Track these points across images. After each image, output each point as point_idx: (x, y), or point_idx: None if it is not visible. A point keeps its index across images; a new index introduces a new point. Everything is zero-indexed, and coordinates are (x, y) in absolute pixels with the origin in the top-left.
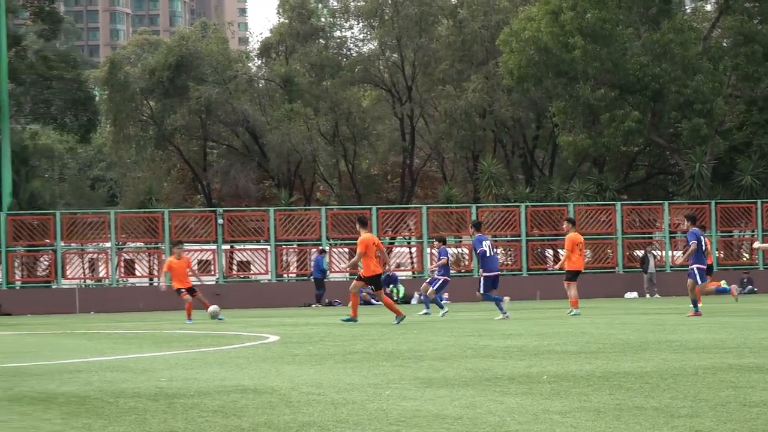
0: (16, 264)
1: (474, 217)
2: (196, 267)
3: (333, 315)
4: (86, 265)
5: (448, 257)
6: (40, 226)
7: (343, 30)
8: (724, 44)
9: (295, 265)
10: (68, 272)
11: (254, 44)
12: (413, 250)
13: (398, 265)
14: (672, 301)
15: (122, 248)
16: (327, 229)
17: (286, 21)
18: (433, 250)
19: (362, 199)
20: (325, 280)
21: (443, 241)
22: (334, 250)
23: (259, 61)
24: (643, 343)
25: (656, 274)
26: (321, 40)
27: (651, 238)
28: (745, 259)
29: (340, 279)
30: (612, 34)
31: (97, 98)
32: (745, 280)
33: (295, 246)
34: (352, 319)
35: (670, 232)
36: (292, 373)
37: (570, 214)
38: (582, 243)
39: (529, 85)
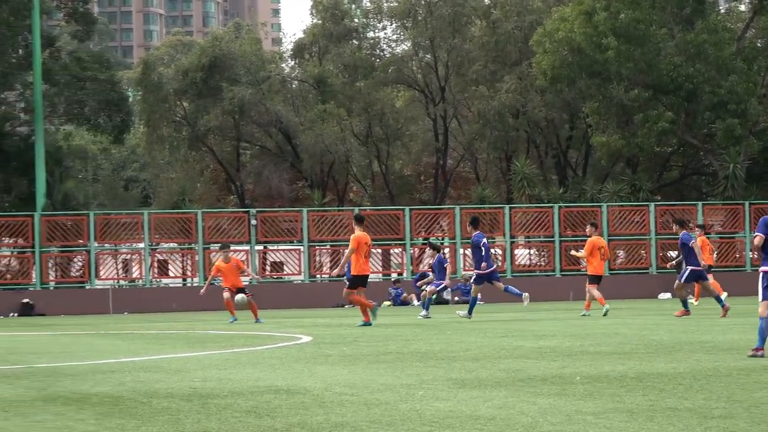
0: (50, 264)
1: (507, 218)
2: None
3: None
4: (120, 266)
5: (442, 262)
6: (74, 227)
7: (377, 31)
8: (759, 44)
9: (328, 265)
10: (102, 273)
11: (287, 45)
12: (446, 251)
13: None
14: (705, 301)
15: (156, 249)
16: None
17: (320, 22)
18: (430, 260)
19: (395, 199)
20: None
21: (437, 249)
22: None
23: (293, 62)
24: (676, 344)
25: None
26: (354, 41)
27: None
28: None
29: (374, 279)
30: (646, 34)
31: (130, 99)
32: None
33: (328, 247)
34: (368, 324)
35: (705, 233)
36: (325, 374)
37: (604, 215)
38: (604, 247)
39: (562, 86)
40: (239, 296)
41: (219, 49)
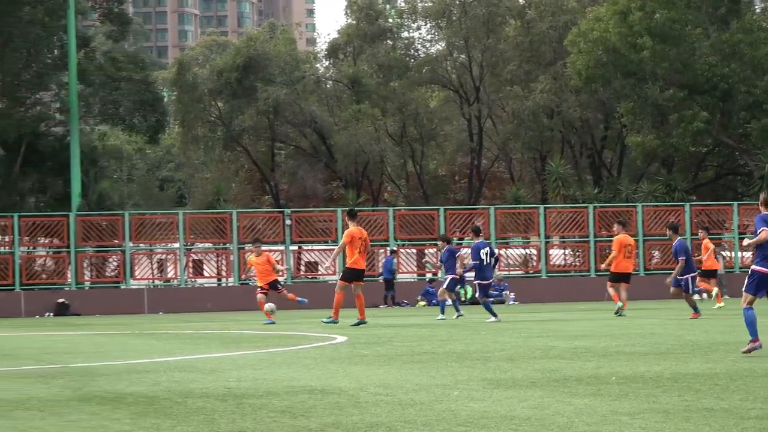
0: (85, 264)
1: (542, 219)
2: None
3: (400, 316)
4: (155, 266)
5: (454, 255)
6: (109, 227)
7: (411, 31)
8: None
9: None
10: (137, 273)
11: (322, 45)
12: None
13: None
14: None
15: (191, 249)
16: (395, 230)
17: (354, 22)
18: (439, 252)
19: (430, 199)
20: (394, 280)
21: (448, 241)
22: (402, 250)
23: (327, 62)
24: (712, 344)
25: (725, 276)
26: (389, 41)
27: (720, 239)
28: None
29: (409, 280)
30: (681, 34)
31: (165, 99)
32: None
33: None
34: (362, 321)
35: (739, 233)
36: (359, 374)
37: (638, 215)
38: (632, 245)
39: (597, 86)
40: (268, 305)
41: (254, 50)
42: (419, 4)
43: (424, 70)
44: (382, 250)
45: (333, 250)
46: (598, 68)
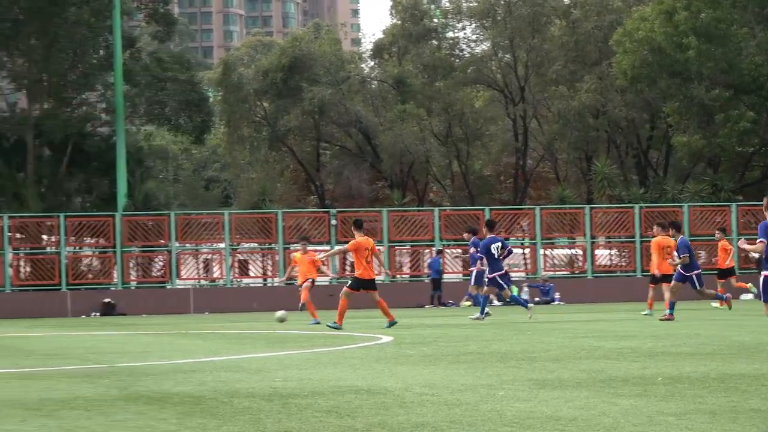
0: (131, 264)
1: (588, 219)
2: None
3: (446, 316)
4: (200, 266)
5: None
6: (155, 227)
7: (456, 31)
8: None
9: (408, 265)
10: (183, 272)
11: (367, 45)
12: (527, 251)
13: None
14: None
15: (236, 249)
16: (440, 230)
17: (399, 22)
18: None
19: (475, 199)
20: (441, 280)
21: (474, 232)
22: (447, 251)
23: (372, 62)
24: (759, 344)
25: None
26: (434, 41)
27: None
28: None
29: (455, 280)
30: (726, 33)
31: (210, 99)
32: None
33: (408, 247)
34: (393, 323)
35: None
36: (405, 374)
37: (685, 215)
38: (671, 247)
39: (642, 86)
40: (280, 312)
41: (299, 50)
42: (464, 4)
43: (469, 70)
44: (427, 251)
45: (378, 250)
46: (643, 68)
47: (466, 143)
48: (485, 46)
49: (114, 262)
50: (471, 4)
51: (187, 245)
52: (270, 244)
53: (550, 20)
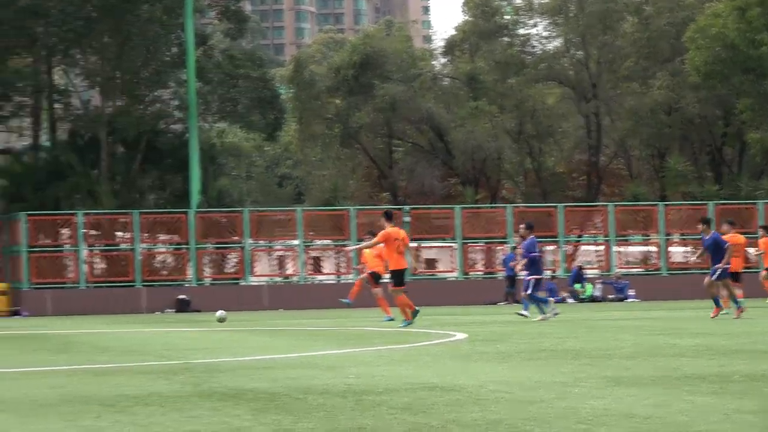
0: (205, 261)
1: (661, 216)
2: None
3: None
4: (274, 262)
5: (536, 251)
6: (229, 224)
7: (528, 27)
8: None
9: (481, 263)
10: (256, 269)
11: (438, 42)
12: (600, 248)
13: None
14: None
15: (309, 245)
16: (513, 227)
17: (471, 19)
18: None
19: (548, 196)
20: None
21: (531, 228)
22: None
23: (444, 59)
24: None
25: None
26: (505, 38)
27: None
28: None
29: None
30: None
31: (282, 97)
32: None
33: (481, 244)
34: (408, 322)
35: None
36: (479, 371)
37: (759, 212)
38: (741, 244)
39: (715, 82)
40: (219, 312)
41: (370, 47)
42: (536, 1)
43: (540, 67)
44: (500, 248)
45: (451, 247)
46: (716, 64)
47: (538, 140)
48: (557, 42)
49: (188, 258)
50: (543, 1)
51: (260, 242)
52: (343, 240)
53: (622, 16)
